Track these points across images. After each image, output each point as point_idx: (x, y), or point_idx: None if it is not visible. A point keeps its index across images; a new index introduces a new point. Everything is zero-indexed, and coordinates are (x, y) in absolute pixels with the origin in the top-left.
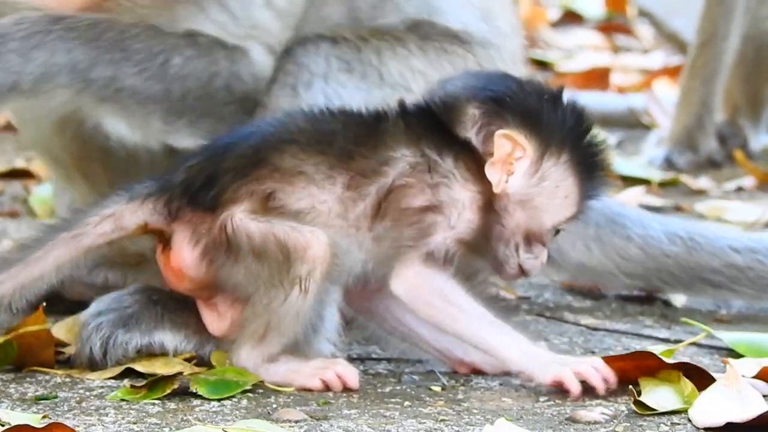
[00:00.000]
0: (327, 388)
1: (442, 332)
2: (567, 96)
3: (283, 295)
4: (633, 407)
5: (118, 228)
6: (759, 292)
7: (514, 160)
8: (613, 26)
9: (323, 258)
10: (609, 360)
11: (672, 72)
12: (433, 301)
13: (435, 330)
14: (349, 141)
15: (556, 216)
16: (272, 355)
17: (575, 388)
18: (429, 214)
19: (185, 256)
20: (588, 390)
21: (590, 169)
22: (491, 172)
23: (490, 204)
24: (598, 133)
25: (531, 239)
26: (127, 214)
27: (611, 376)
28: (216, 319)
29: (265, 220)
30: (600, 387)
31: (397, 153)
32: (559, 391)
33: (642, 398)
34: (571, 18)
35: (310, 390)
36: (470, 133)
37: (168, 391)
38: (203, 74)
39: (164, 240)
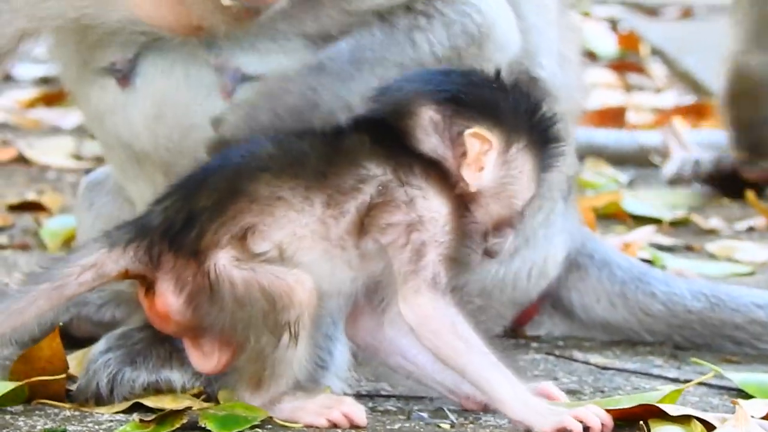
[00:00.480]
0: (334, 426)
1: (444, 365)
2: (507, 77)
3: (273, 342)
4: None
5: (99, 276)
6: None
7: (483, 156)
8: (626, 65)
9: (309, 302)
10: (613, 411)
11: (684, 111)
12: (441, 332)
13: (439, 365)
14: (321, 161)
15: (525, 197)
16: (275, 397)
17: (578, 428)
18: (414, 233)
19: (170, 302)
20: None
21: (546, 144)
22: (467, 173)
23: (461, 205)
24: (543, 106)
25: (500, 225)
26: (108, 263)
27: (609, 421)
28: (202, 358)
29: (248, 267)
30: (598, 429)
31: (369, 171)
32: None
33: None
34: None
35: (317, 427)
36: (431, 138)
37: (177, 425)
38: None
39: (147, 284)
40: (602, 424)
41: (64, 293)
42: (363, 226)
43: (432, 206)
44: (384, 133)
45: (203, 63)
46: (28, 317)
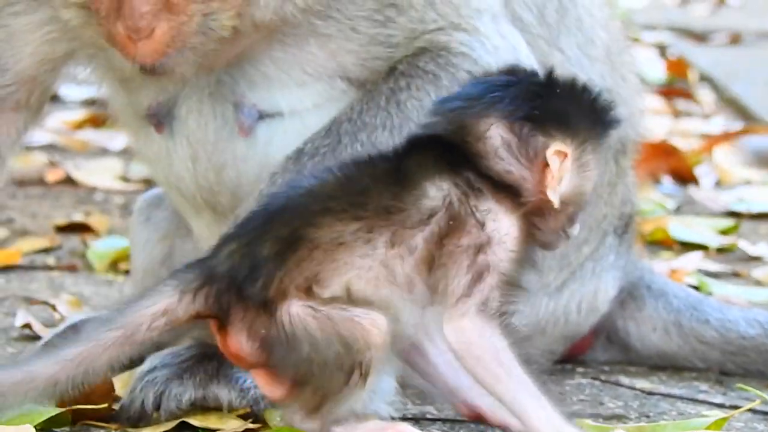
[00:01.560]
0: None
1: (482, 389)
2: (562, 76)
3: (343, 379)
4: None
5: (170, 322)
6: None
7: (563, 169)
8: (674, 91)
9: (383, 344)
10: None
11: (732, 137)
12: (484, 358)
13: (454, 371)
14: (384, 195)
15: (593, 185)
16: (326, 423)
17: None
18: (480, 255)
19: (243, 347)
20: None
21: (605, 129)
22: (551, 192)
23: (529, 221)
24: (599, 98)
25: (573, 216)
26: (179, 310)
27: None
28: (272, 388)
29: (323, 313)
30: None
31: (434, 200)
32: None
33: None
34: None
35: None
36: (505, 158)
37: None
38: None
39: (219, 323)
40: None
41: (135, 340)
42: (433, 260)
43: (502, 228)
44: (445, 152)
45: (224, 100)
46: (100, 365)
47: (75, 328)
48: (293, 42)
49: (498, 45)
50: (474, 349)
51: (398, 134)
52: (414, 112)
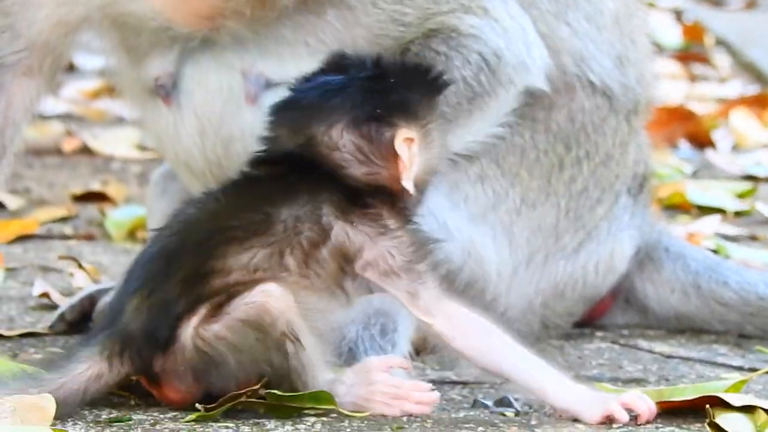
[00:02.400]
0: (401, 414)
1: (484, 366)
2: (395, 61)
3: (283, 357)
4: (708, 430)
5: (103, 386)
6: None
7: (412, 155)
8: (690, 55)
9: (287, 305)
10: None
11: (749, 101)
12: (471, 333)
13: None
14: (283, 216)
15: (442, 153)
16: (334, 377)
17: (624, 417)
18: (390, 260)
19: (178, 388)
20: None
21: (435, 99)
22: (404, 178)
23: (400, 203)
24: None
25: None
26: (112, 375)
27: (654, 409)
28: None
29: (224, 318)
30: (646, 415)
31: (321, 211)
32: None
33: (717, 421)
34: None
35: (383, 415)
36: (360, 161)
37: (239, 405)
38: None
39: (148, 378)
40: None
41: (68, 402)
42: (342, 269)
43: (389, 229)
44: (297, 168)
45: (232, 68)
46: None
47: (91, 299)
48: (313, 9)
49: (507, 27)
50: (458, 328)
51: None
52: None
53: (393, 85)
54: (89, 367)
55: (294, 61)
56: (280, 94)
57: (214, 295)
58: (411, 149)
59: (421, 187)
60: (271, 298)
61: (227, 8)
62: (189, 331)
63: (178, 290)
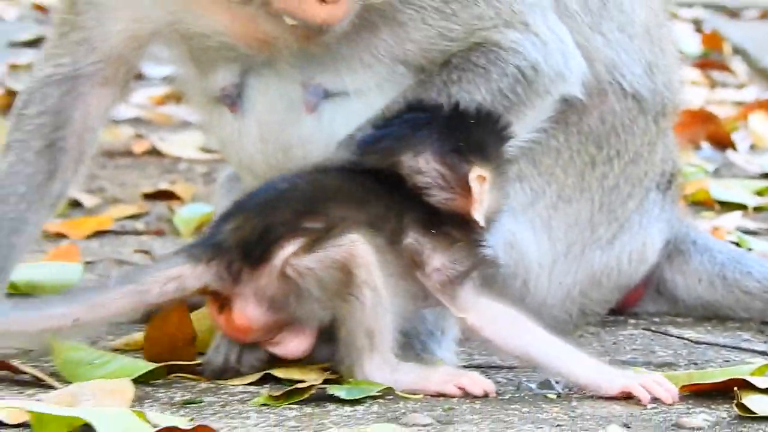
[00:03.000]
0: (461, 393)
1: (512, 353)
2: (467, 108)
3: (359, 302)
4: (735, 410)
5: (180, 289)
6: None
7: (483, 192)
8: (709, 63)
9: (370, 255)
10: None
11: (765, 105)
12: (508, 328)
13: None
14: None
15: (505, 201)
16: (392, 360)
17: (645, 396)
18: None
19: (252, 314)
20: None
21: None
22: (477, 214)
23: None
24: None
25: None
26: (190, 278)
27: (674, 390)
28: (296, 344)
29: (313, 252)
30: (665, 398)
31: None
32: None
33: (744, 402)
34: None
35: (435, 397)
36: (442, 185)
37: (306, 396)
38: None
39: (220, 301)
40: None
41: (145, 298)
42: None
43: (454, 245)
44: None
45: (293, 80)
46: (108, 313)
47: None
48: (368, 25)
49: (546, 40)
50: (490, 324)
51: None
52: (466, 103)
53: (471, 127)
54: (171, 267)
55: (350, 73)
56: (337, 103)
57: (311, 232)
58: (482, 186)
59: (488, 220)
60: (358, 246)
61: (280, 38)
62: (282, 256)
63: (282, 219)
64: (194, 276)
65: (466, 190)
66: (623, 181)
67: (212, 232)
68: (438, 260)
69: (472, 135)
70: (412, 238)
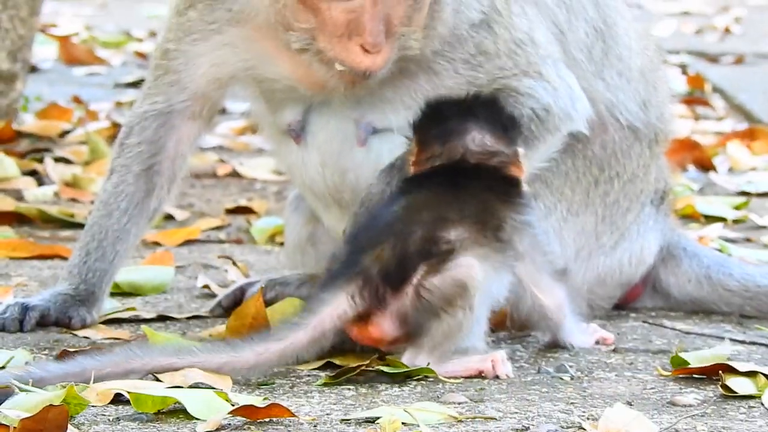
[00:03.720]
0: (492, 371)
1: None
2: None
3: (460, 317)
4: (720, 390)
5: (344, 319)
6: None
7: None
8: (694, 100)
9: (482, 281)
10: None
11: (740, 135)
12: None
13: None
14: (484, 211)
15: None
16: (441, 358)
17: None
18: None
19: (388, 329)
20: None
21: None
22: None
23: None
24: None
25: None
26: (348, 307)
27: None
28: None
29: (438, 273)
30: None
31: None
32: (662, 382)
33: (727, 383)
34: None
35: (468, 379)
36: (499, 157)
37: (357, 375)
38: None
39: (357, 315)
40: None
41: (322, 336)
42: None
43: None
44: (461, 174)
45: (347, 118)
46: (291, 359)
47: (242, 289)
48: (407, 73)
49: (557, 86)
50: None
51: None
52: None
53: (497, 113)
54: (336, 306)
55: (394, 113)
56: (384, 137)
57: (435, 256)
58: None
59: None
60: (474, 269)
61: (332, 82)
62: (416, 280)
63: (413, 248)
64: (350, 305)
65: (515, 162)
66: (622, 198)
67: (351, 261)
68: (522, 244)
69: (503, 119)
70: (507, 228)
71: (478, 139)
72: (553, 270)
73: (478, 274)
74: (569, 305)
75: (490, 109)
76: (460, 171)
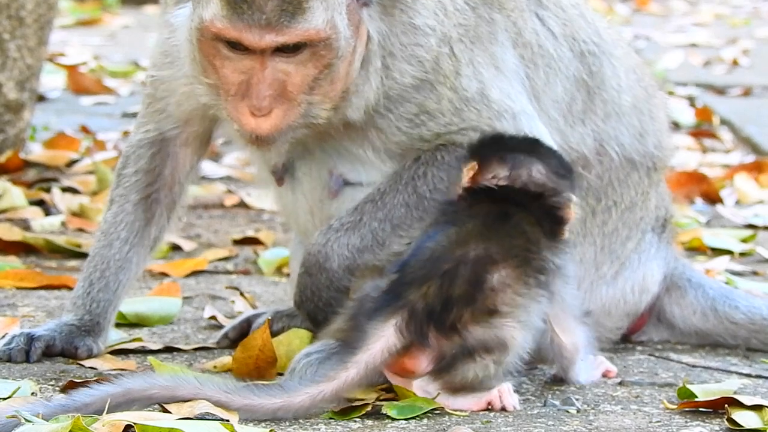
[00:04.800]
0: (499, 403)
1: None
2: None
3: (491, 368)
4: (726, 424)
5: (393, 352)
6: None
7: None
8: (701, 132)
9: (521, 346)
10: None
11: (748, 168)
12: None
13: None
14: (528, 250)
15: None
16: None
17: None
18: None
19: (423, 364)
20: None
21: None
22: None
23: None
24: None
25: None
26: (396, 340)
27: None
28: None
29: (484, 325)
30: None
31: (539, 248)
32: (667, 415)
33: (733, 417)
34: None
35: (476, 412)
36: (549, 190)
37: (364, 412)
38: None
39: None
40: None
41: (374, 370)
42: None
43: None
44: (509, 201)
45: (322, 168)
46: (342, 396)
47: (248, 321)
48: (359, 130)
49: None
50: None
51: (414, 211)
52: (428, 194)
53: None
54: (386, 340)
55: (362, 166)
56: (356, 190)
57: (484, 301)
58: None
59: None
60: (518, 337)
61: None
62: (460, 324)
63: (460, 291)
64: (397, 337)
65: (568, 206)
66: (621, 226)
67: (396, 294)
68: (555, 285)
69: (564, 163)
70: (548, 270)
71: (543, 173)
72: (578, 313)
73: (518, 339)
74: (586, 346)
75: (552, 152)
76: (513, 200)
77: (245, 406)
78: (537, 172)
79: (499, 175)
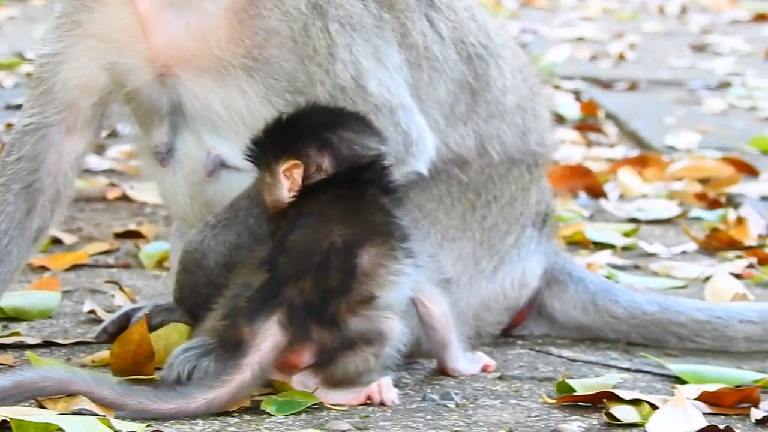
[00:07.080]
0: (378, 397)
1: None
2: None
3: (371, 361)
4: (604, 418)
5: (278, 350)
6: (714, 342)
7: None
8: (586, 126)
9: (398, 333)
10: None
11: (632, 162)
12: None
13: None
14: (389, 223)
15: None
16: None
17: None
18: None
19: (306, 358)
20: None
21: None
22: None
23: None
24: None
25: None
26: (281, 338)
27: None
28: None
29: (366, 315)
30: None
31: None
32: (546, 409)
33: (611, 411)
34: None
35: (355, 406)
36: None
37: (245, 406)
38: None
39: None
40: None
41: (263, 370)
42: None
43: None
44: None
45: (202, 146)
46: (239, 393)
47: (127, 315)
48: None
49: (390, 133)
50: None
51: None
52: None
53: None
54: (273, 338)
55: (239, 148)
56: (234, 174)
57: (356, 292)
58: None
59: None
60: (396, 326)
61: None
62: (340, 316)
63: (334, 283)
64: (282, 334)
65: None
66: (501, 221)
67: (272, 292)
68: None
69: (365, 120)
70: (407, 228)
71: (365, 143)
72: (436, 279)
73: (396, 331)
74: (455, 325)
75: (351, 114)
76: (351, 180)
77: (139, 410)
78: (355, 144)
79: (323, 165)
